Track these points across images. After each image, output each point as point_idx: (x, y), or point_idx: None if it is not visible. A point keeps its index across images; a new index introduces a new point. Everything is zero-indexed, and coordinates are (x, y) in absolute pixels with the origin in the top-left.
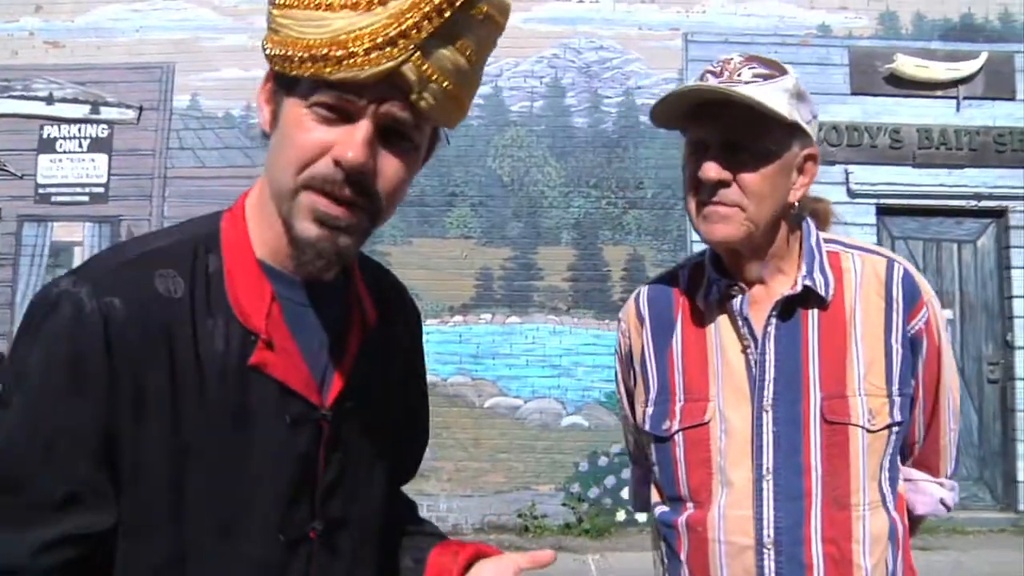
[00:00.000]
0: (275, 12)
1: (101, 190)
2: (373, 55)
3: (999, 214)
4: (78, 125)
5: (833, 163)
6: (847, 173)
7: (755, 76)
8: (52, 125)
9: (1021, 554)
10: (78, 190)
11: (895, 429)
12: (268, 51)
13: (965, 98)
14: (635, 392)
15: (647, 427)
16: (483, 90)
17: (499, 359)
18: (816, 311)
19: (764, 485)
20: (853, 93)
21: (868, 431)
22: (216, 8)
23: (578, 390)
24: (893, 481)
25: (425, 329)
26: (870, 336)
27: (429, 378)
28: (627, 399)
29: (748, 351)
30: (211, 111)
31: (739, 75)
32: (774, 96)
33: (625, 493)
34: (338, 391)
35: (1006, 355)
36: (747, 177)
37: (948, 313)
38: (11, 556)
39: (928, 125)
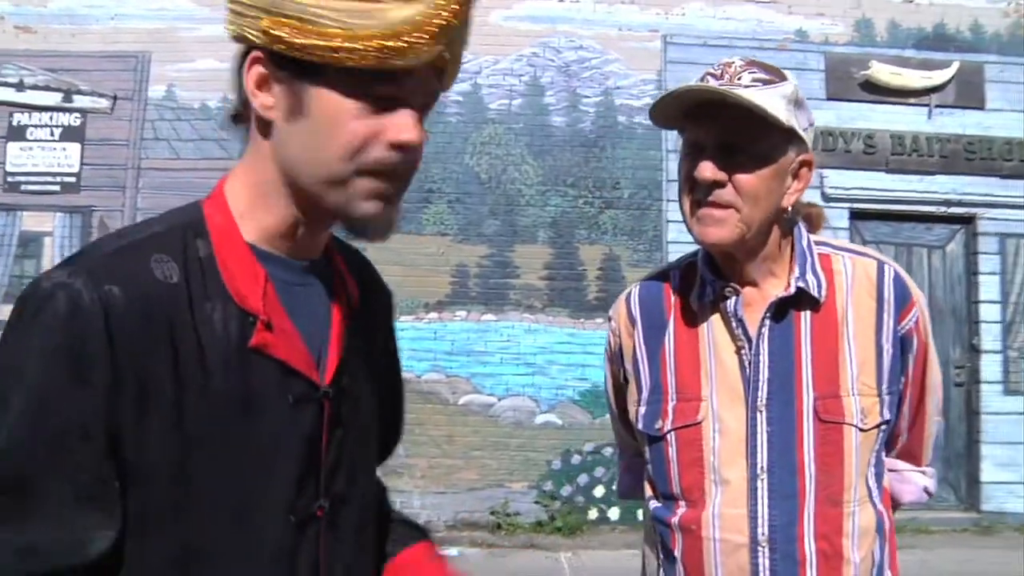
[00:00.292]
0: (302, 3)
1: (73, 180)
2: (428, 43)
3: (968, 220)
4: (50, 113)
5: None
6: (822, 177)
7: (755, 80)
8: (22, 112)
9: (983, 553)
10: (49, 179)
11: (884, 427)
12: (286, 38)
13: (937, 106)
14: (627, 391)
15: (640, 426)
16: (462, 87)
17: (474, 356)
18: (809, 312)
19: (758, 484)
20: (829, 98)
21: (860, 430)
22: None
23: (552, 388)
24: (879, 476)
25: (400, 326)
26: (862, 336)
27: (404, 375)
28: (614, 396)
29: (742, 352)
30: (187, 102)
31: (739, 79)
32: (772, 101)
33: (598, 491)
34: (334, 368)
35: (972, 359)
36: (742, 178)
37: None
38: (56, 557)
39: (901, 132)
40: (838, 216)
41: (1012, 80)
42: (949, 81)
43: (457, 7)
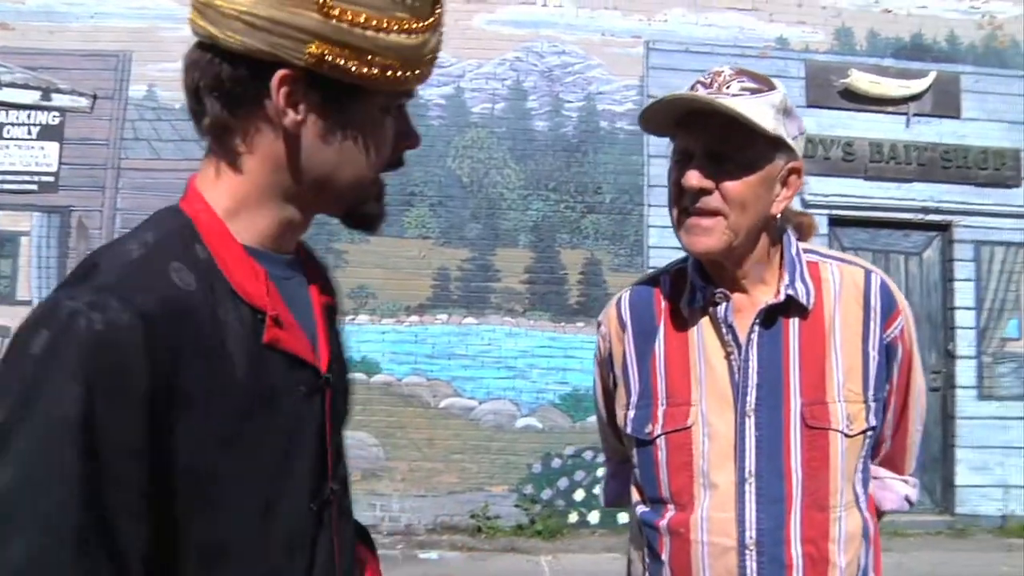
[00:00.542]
0: (368, 36)
1: (51, 179)
2: (432, 63)
3: (944, 228)
4: (28, 111)
5: None
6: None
7: (743, 89)
8: (0, 110)
9: (958, 555)
10: (26, 179)
11: (869, 433)
12: (342, 66)
13: (915, 115)
14: (616, 395)
15: (629, 430)
16: (444, 90)
17: (454, 360)
18: (797, 319)
19: (747, 488)
20: (809, 105)
21: (846, 436)
22: None
23: (533, 392)
24: (865, 482)
25: (381, 328)
26: (849, 344)
27: (384, 378)
28: (604, 400)
29: (732, 357)
30: (168, 102)
31: (728, 87)
32: (759, 110)
33: (578, 495)
34: (327, 357)
35: (948, 364)
36: (729, 186)
37: None
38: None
39: (879, 139)
40: (817, 222)
41: (987, 90)
42: (926, 90)
43: (441, 34)
